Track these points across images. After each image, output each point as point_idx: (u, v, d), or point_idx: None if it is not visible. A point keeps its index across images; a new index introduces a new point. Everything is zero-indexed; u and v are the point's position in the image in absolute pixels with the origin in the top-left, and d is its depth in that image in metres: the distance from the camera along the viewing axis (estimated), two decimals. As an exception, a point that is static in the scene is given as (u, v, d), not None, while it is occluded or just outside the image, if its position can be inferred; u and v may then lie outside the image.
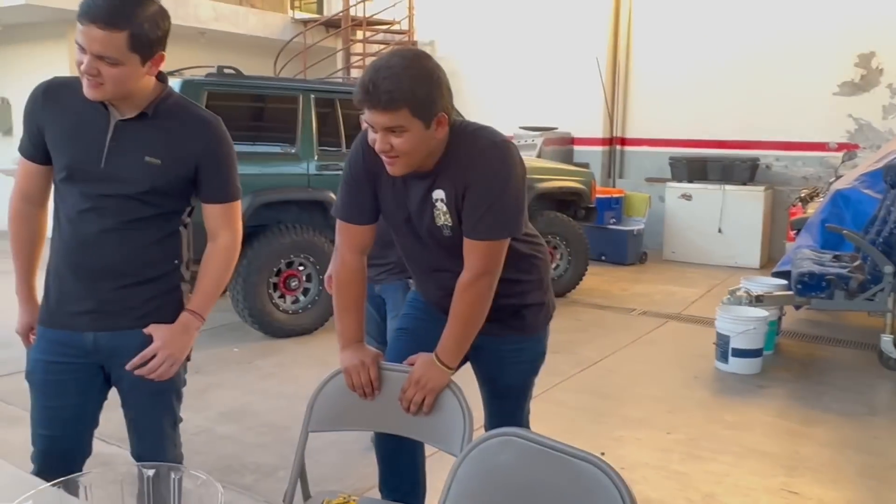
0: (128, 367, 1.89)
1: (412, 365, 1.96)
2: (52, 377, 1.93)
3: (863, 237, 4.96)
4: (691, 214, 8.48)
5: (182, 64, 6.59)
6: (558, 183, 6.75)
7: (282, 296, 5.25)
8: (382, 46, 10.26)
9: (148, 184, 1.85)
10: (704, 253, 8.41)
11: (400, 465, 2.22)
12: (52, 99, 1.90)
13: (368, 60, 10.05)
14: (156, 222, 1.92)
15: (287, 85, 5.66)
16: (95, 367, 1.95)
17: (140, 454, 2.02)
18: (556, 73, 9.68)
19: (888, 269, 4.54)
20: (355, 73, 10.07)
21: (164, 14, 1.78)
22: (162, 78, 1.90)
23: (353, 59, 10.27)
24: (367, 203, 1.98)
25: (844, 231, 4.98)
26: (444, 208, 1.88)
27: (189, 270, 2.02)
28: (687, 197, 8.50)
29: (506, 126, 8.95)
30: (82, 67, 1.71)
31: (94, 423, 2.02)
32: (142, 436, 2.03)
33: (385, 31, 10.47)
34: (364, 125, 1.83)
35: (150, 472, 1.19)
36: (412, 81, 1.70)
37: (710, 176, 8.44)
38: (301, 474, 1.96)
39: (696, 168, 8.53)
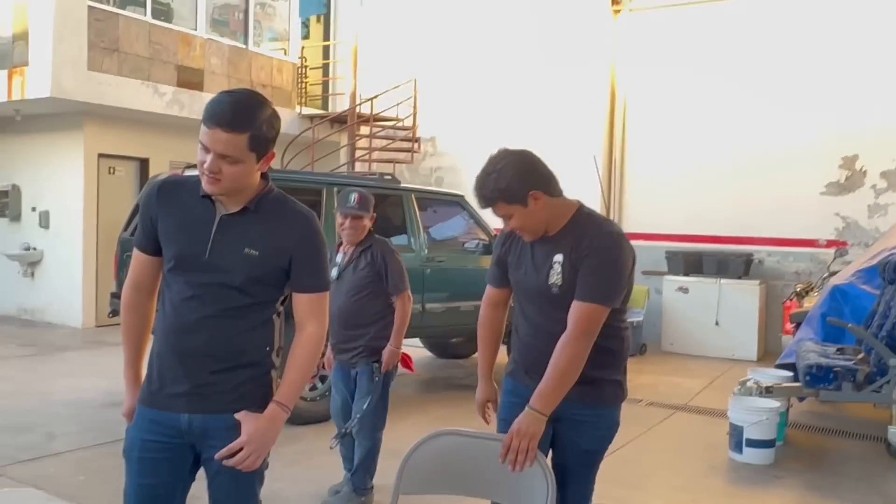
0: (216, 457, 1.98)
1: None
2: (148, 455, 2.03)
3: (865, 331, 5.17)
4: (688, 307, 8.70)
5: (193, 156, 6.85)
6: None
7: (300, 383, 5.31)
8: (387, 141, 10.66)
9: (246, 274, 2.00)
10: (702, 345, 8.59)
11: None
12: (165, 195, 2.07)
13: (373, 154, 10.45)
14: (252, 311, 2.05)
15: (397, 187, 6.26)
16: (188, 448, 2.04)
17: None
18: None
19: (893, 361, 4.73)
20: (359, 167, 10.43)
21: (276, 116, 1.98)
22: (264, 175, 2.08)
23: (359, 152, 10.63)
24: (502, 273, 2.53)
25: (849, 325, 5.19)
26: (559, 269, 2.28)
27: (279, 357, 2.14)
28: (684, 290, 8.75)
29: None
30: (206, 166, 1.89)
31: (182, 502, 2.09)
32: (223, 521, 2.11)
33: (390, 128, 10.88)
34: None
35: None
36: (495, 181, 2.26)
37: (706, 270, 8.72)
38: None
39: (692, 262, 8.81)
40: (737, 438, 4.81)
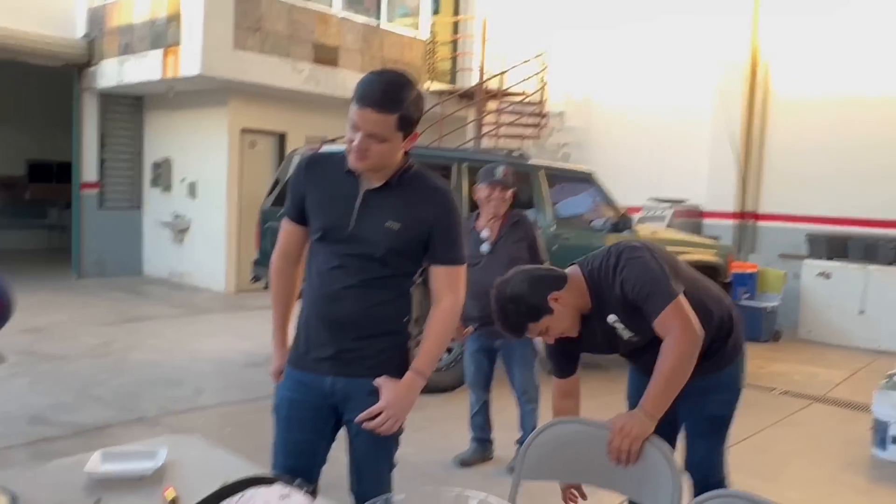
0: (356, 420, 2.09)
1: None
2: (295, 413, 2.17)
3: None
4: (830, 294, 8.22)
5: (328, 130, 7.12)
6: (692, 256, 6.75)
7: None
8: (515, 117, 10.64)
9: (387, 246, 2.09)
10: (844, 334, 8.10)
11: None
12: (313, 170, 2.19)
13: (500, 130, 10.46)
14: (392, 281, 2.15)
15: (526, 163, 6.24)
16: (331, 409, 2.17)
17: (358, 493, 2.21)
18: (686, 146, 9.74)
19: None
20: (486, 143, 10.47)
21: (422, 96, 2.05)
22: (405, 151, 2.15)
23: (486, 128, 10.67)
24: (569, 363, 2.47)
25: None
26: (623, 325, 2.26)
27: (417, 327, 2.23)
28: (826, 275, 8.26)
29: (634, 197, 9.04)
30: (354, 144, 1.98)
31: (324, 460, 2.23)
32: (361, 477, 2.23)
33: (517, 103, 10.85)
34: None
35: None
36: (517, 311, 2.23)
37: (852, 255, 8.19)
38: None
39: (837, 246, 8.30)
40: (881, 434, 4.54)
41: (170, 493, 1.58)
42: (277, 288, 2.30)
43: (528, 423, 4.04)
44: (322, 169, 2.18)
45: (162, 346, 6.70)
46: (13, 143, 13.17)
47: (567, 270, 2.33)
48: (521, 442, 4.11)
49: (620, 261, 2.24)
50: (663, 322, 2.15)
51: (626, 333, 2.28)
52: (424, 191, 2.14)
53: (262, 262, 6.32)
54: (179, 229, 10.50)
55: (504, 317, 2.23)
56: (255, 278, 6.36)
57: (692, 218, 9.55)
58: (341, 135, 6.37)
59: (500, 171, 3.93)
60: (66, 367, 5.74)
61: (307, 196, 2.17)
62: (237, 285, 9.86)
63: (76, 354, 6.14)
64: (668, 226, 8.90)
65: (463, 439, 4.27)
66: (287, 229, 2.26)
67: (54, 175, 12.93)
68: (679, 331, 2.14)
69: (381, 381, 2.10)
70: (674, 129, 9.78)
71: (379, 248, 2.08)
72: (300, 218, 2.20)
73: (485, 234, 3.98)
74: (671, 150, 9.83)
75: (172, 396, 5.16)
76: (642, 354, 2.33)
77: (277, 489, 1.00)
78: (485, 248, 3.93)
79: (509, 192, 3.97)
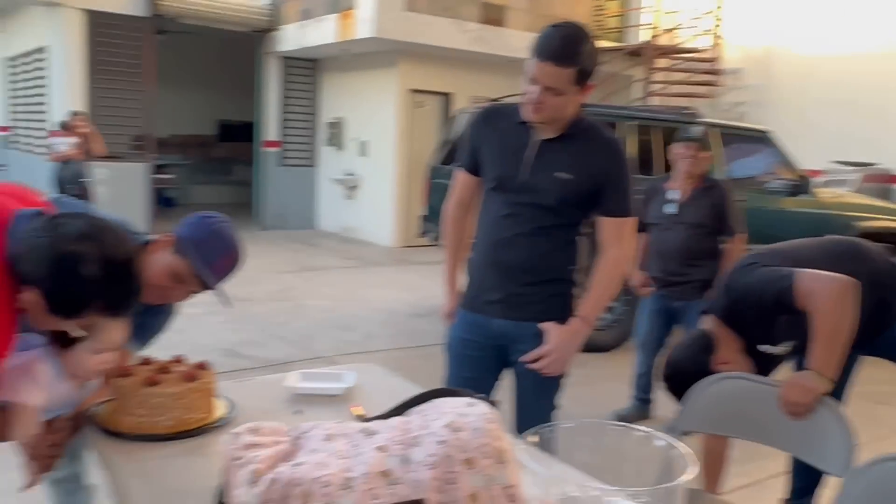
0: (521, 359, 2.20)
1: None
2: (466, 352, 2.32)
3: None
4: None
5: (493, 90, 7.20)
6: (878, 223, 6.25)
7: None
8: (685, 74, 10.22)
9: (558, 196, 2.15)
10: None
11: None
12: (487, 122, 2.29)
13: (670, 88, 10.09)
14: (560, 230, 2.22)
15: (699, 121, 5.94)
16: (498, 350, 2.29)
17: (521, 432, 2.33)
18: (877, 105, 8.93)
19: None
20: (655, 101, 10.15)
21: (597, 50, 2.08)
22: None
23: (654, 86, 10.34)
24: None
25: None
26: (774, 348, 2.37)
27: (582, 276, 2.30)
28: None
29: (817, 159, 8.45)
30: (530, 96, 2.05)
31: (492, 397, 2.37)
32: (525, 417, 2.34)
33: (689, 59, 10.40)
34: None
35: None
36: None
37: None
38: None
39: None
40: None
41: (357, 410, 1.76)
42: (450, 235, 2.44)
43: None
44: (497, 120, 2.27)
45: (334, 294, 7.18)
46: (205, 105, 14.35)
47: (706, 328, 2.39)
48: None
49: (737, 291, 2.33)
50: (803, 297, 2.13)
51: (781, 349, 2.33)
52: (597, 142, 2.18)
53: (430, 217, 6.58)
54: (350, 186, 11.07)
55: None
56: (423, 233, 6.63)
57: (883, 183, 8.80)
58: (506, 94, 6.49)
59: (697, 130, 3.90)
60: (252, 308, 6.31)
61: (482, 146, 2.27)
62: (403, 240, 10.29)
63: (261, 298, 6.72)
64: (855, 191, 8.26)
65: (621, 397, 4.29)
66: (461, 179, 2.38)
67: (240, 134, 13.99)
68: (818, 291, 2.12)
69: (547, 326, 2.19)
70: (864, 86, 8.99)
71: (550, 197, 2.15)
72: (474, 168, 2.31)
73: (673, 195, 3.93)
74: (861, 110, 9.06)
75: (345, 340, 5.56)
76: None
77: (464, 398, 1.11)
78: (671, 209, 3.89)
79: (705, 153, 3.92)
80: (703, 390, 2.17)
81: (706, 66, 10.31)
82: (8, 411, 1.56)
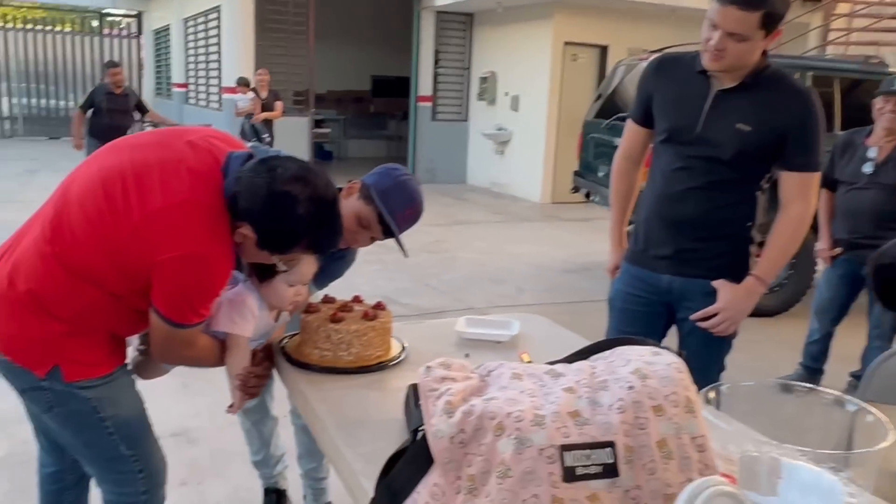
0: (692, 318, 2.14)
1: None
2: (629, 306, 2.29)
3: None
4: None
5: (652, 41, 6.87)
6: None
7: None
8: (871, 21, 9.32)
9: (736, 149, 2.05)
10: None
11: None
12: (661, 71, 2.21)
13: (851, 37, 9.26)
14: (737, 185, 2.11)
15: (886, 72, 5.51)
16: (665, 306, 2.24)
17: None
18: None
19: None
20: (833, 52, 9.35)
21: None
22: (763, 51, 2.06)
23: (833, 34, 9.52)
24: None
25: None
26: None
27: (760, 235, 2.19)
28: None
29: None
30: (711, 43, 1.95)
31: None
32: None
33: (875, 3, 9.46)
34: None
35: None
36: None
37: None
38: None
39: None
40: None
41: (525, 357, 1.79)
42: (617, 188, 2.39)
43: (870, 358, 3.73)
44: (671, 69, 2.19)
45: (484, 247, 7.27)
46: (360, 61, 14.75)
47: None
48: (856, 376, 3.83)
49: None
50: None
51: None
52: (785, 92, 2.05)
53: (583, 173, 6.47)
54: (501, 141, 11.07)
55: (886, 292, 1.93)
56: (575, 189, 6.54)
57: None
58: (664, 46, 6.20)
59: None
60: (406, 260, 6.50)
61: (654, 97, 2.20)
62: (553, 196, 10.21)
63: (414, 249, 6.81)
64: None
65: (784, 364, 4.09)
66: (631, 130, 2.32)
67: (394, 89, 14.29)
68: None
69: (720, 284, 2.11)
70: None
71: (726, 150, 2.06)
72: (645, 120, 2.24)
73: (872, 153, 3.64)
74: None
75: (496, 292, 5.63)
76: None
77: (649, 347, 1.10)
78: (867, 168, 3.59)
79: None
80: (887, 360, 2.03)
81: (893, 10, 9.35)
82: (224, 342, 1.71)
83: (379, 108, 15.39)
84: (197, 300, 1.55)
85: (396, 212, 1.88)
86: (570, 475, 0.92)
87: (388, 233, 1.91)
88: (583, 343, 1.99)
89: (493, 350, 1.90)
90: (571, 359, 1.19)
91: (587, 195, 6.35)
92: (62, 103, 15.80)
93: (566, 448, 0.93)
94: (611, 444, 0.94)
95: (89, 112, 7.57)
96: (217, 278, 1.55)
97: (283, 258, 1.63)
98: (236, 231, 1.54)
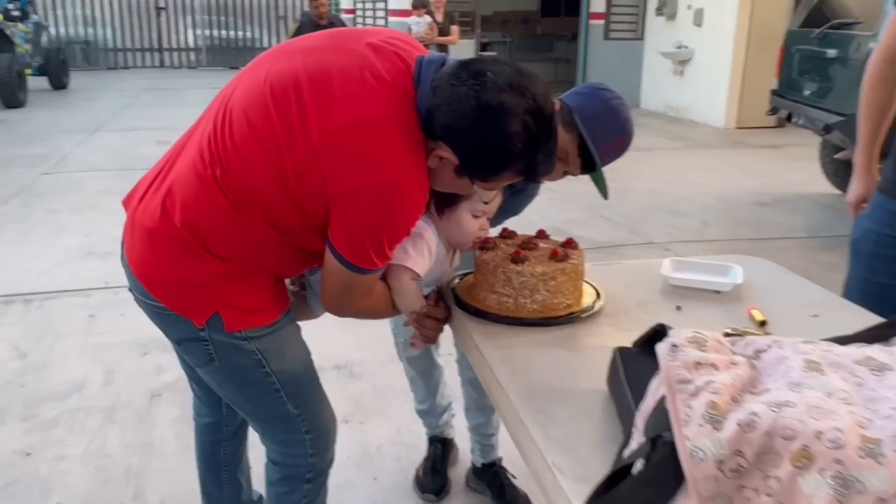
0: None
1: None
2: (883, 251, 1.80)
3: None
4: None
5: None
6: None
7: None
8: None
9: None
10: None
11: None
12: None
13: None
14: None
15: None
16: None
17: None
18: None
19: None
20: None
21: None
22: None
23: None
24: None
25: None
26: None
27: None
28: None
29: None
30: None
31: None
32: None
33: None
34: None
35: None
36: None
37: None
38: None
39: None
40: None
41: (758, 314, 1.40)
42: (870, 98, 1.87)
43: None
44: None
45: (663, 176, 6.67)
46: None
47: None
48: None
49: None
50: None
51: None
52: None
53: (783, 91, 5.69)
54: (680, 60, 10.14)
55: None
56: (773, 110, 5.77)
57: None
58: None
59: None
60: (576, 186, 6.06)
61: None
62: (738, 121, 9.26)
63: (584, 177, 6.46)
64: None
65: None
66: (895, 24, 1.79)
67: (563, 8, 13.50)
68: None
69: None
70: None
71: None
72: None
73: None
74: None
75: (678, 226, 5.11)
76: None
77: None
78: None
79: None
80: None
81: None
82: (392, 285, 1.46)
83: (546, 28, 14.68)
84: (386, 239, 1.27)
85: (602, 143, 1.52)
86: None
87: (587, 167, 1.56)
88: (828, 295, 1.57)
89: (710, 302, 1.52)
90: (875, 335, 0.80)
91: (788, 117, 5.57)
92: (240, 34, 16.41)
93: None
94: None
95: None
96: (410, 213, 1.26)
97: (487, 186, 1.32)
98: (431, 154, 1.25)
